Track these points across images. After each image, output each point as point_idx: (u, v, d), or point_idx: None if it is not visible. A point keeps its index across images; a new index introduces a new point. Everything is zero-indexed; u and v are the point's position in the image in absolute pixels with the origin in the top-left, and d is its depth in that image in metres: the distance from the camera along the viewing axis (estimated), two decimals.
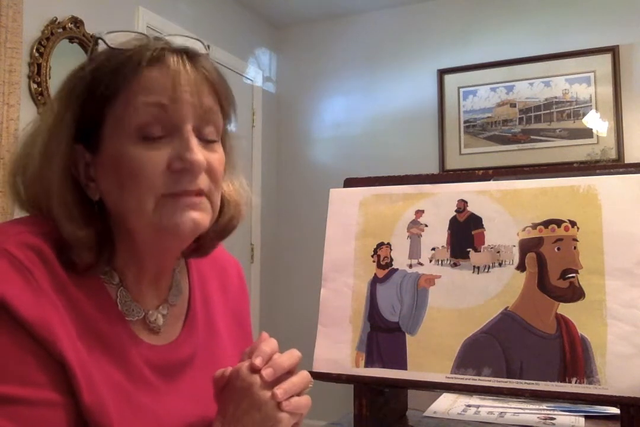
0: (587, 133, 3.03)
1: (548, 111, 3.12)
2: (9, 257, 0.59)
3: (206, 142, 0.66)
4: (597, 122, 3.00)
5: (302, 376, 0.68)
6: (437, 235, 1.02)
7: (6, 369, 0.57)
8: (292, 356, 0.67)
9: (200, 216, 0.65)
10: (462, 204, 1.01)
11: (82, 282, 0.64)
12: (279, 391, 0.64)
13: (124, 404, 0.63)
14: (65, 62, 2.33)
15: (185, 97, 0.63)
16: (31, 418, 0.56)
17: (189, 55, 0.66)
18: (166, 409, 0.67)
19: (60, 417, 0.58)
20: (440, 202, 1.03)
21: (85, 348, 0.61)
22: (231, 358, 0.76)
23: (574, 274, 0.92)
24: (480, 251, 0.98)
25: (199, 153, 0.63)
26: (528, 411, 1.18)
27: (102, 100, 0.63)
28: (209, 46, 0.70)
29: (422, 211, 1.04)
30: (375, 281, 1.03)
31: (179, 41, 0.67)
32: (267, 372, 0.64)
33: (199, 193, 0.65)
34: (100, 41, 0.65)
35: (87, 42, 2.43)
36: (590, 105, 3.03)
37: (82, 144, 0.65)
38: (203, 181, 0.65)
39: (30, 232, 0.62)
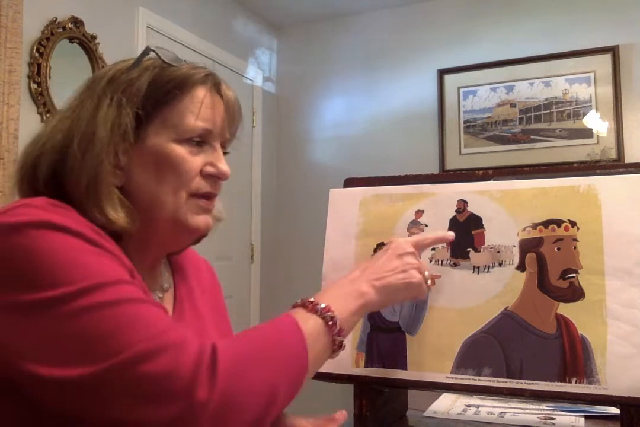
0: (587, 133, 3.02)
1: (548, 111, 3.11)
2: (42, 207, 0.64)
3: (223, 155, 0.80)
4: (597, 122, 3.00)
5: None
6: None
7: (93, 266, 0.61)
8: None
9: (210, 220, 0.78)
10: (462, 204, 1.01)
11: None
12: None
13: None
14: (65, 62, 2.33)
15: (224, 122, 0.78)
16: (134, 290, 0.61)
17: (225, 83, 0.81)
18: None
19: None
20: (440, 202, 1.03)
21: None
22: (213, 335, 0.84)
23: (574, 274, 0.92)
24: (480, 251, 0.98)
25: (227, 165, 0.77)
26: (528, 411, 1.18)
27: (155, 106, 0.73)
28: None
29: (422, 211, 1.04)
30: None
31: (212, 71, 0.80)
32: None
33: (215, 197, 0.78)
34: (152, 53, 0.76)
35: (87, 42, 2.42)
36: (590, 105, 3.03)
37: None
38: (220, 188, 0.78)
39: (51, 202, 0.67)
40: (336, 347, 0.69)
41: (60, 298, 0.57)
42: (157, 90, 0.74)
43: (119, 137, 0.71)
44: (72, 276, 0.58)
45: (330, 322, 0.68)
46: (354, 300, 0.73)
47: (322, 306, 0.69)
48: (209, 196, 0.77)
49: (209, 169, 0.75)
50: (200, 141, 0.75)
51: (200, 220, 0.75)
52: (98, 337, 0.55)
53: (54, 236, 0.61)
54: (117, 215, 0.69)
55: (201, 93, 0.76)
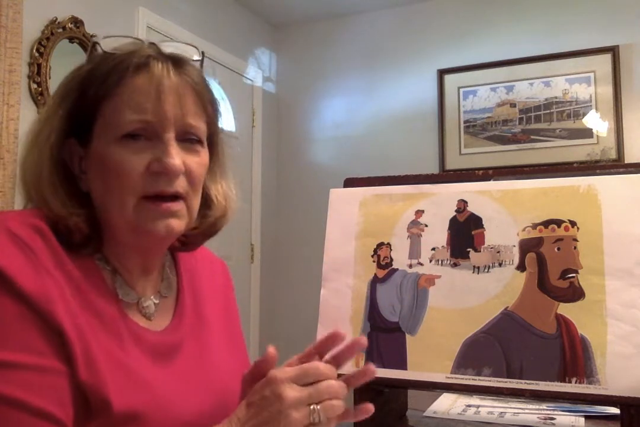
0: (587, 133, 3.02)
1: (548, 111, 3.11)
2: (9, 234, 0.62)
3: (188, 146, 0.70)
4: (597, 122, 3.00)
5: (331, 384, 0.64)
6: (437, 235, 1.02)
7: (9, 337, 0.58)
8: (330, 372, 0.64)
9: (175, 223, 0.69)
10: (462, 204, 1.01)
11: (79, 261, 0.67)
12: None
13: (122, 376, 0.64)
14: (65, 62, 2.33)
15: (168, 109, 0.67)
16: (38, 384, 0.58)
17: (174, 62, 0.70)
18: (159, 385, 0.68)
19: (63, 385, 0.59)
20: (440, 202, 1.03)
21: (84, 319, 0.63)
22: (219, 347, 0.80)
23: (574, 274, 0.92)
24: (480, 251, 0.98)
25: (176, 158, 0.67)
26: (528, 411, 1.18)
27: (94, 101, 0.68)
28: (203, 52, 0.75)
29: (422, 211, 1.04)
30: (375, 281, 1.03)
31: (168, 48, 0.71)
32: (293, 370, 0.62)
33: (176, 196, 0.69)
34: (97, 46, 0.70)
35: (87, 42, 2.42)
36: (590, 105, 3.03)
37: (75, 139, 0.70)
38: (181, 184, 0.68)
39: (30, 215, 0.66)
40: None
41: None
42: (93, 84, 0.68)
43: (59, 139, 0.69)
44: None
45: None
46: None
47: None
48: (162, 196, 0.68)
49: (154, 166, 0.67)
50: (142, 136, 0.67)
51: (157, 225, 0.68)
52: None
53: None
54: (70, 217, 0.66)
55: (138, 80, 0.67)
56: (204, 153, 0.73)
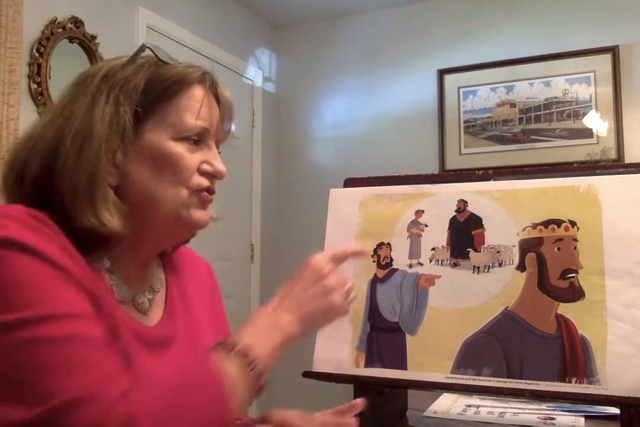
0: (587, 133, 3.02)
1: (548, 111, 3.11)
2: (17, 220, 0.62)
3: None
4: (597, 122, 3.00)
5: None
6: (437, 235, 1.02)
7: (46, 294, 0.58)
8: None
9: (209, 215, 0.78)
10: (462, 204, 1.01)
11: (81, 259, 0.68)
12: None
13: (123, 361, 0.65)
14: (65, 62, 2.33)
15: (219, 119, 0.79)
16: (81, 326, 0.59)
17: (218, 82, 0.80)
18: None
19: (101, 333, 0.61)
20: (440, 202, 1.03)
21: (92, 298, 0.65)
22: (209, 337, 0.83)
23: (574, 274, 0.92)
24: (480, 251, 0.98)
25: (222, 164, 0.77)
26: (528, 411, 1.18)
27: (154, 102, 0.73)
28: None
29: (422, 211, 1.04)
30: (375, 281, 1.03)
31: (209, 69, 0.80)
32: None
33: (213, 194, 0.78)
34: (147, 50, 0.76)
35: (87, 42, 2.42)
36: (590, 105, 3.03)
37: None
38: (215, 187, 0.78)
39: (31, 208, 0.65)
40: (256, 391, 0.67)
41: (4, 325, 0.56)
42: (154, 88, 0.73)
43: (117, 134, 0.70)
44: (22, 303, 0.57)
45: (250, 366, 0.65)
46: (275, 335, 0.69)
47: (242, 346, 0.65)
48: (209, 191, 0.77)
49: (206, 167, 0.75)
50: (197, 140, 0.75)
51: (201, 214, 0.76)
52: (37, 375, 0.54)
53: (15, 257, 0.59)
54: (111, 217, 0.68)
55: (199, 92, 0.76)
56: None
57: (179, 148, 0.73)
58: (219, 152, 0.80)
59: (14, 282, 0.57)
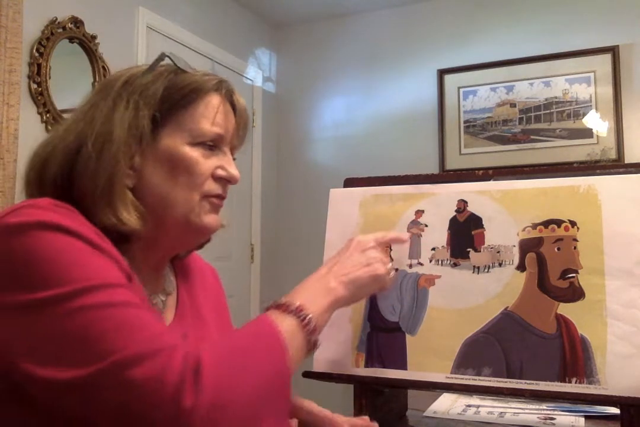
0: (587, 133, 3.02)
1: (548, 111, 3.11)
2: (46, 208, 0.64)
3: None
4: (597, 122, 3.00)
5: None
6: (437, 235, 1.02)
7: (91, 267, 0.61)
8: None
9: (220, 220, 0.80)
10: (462, 204, 1.01)
11: None
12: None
13: None
14: (65, 62, 2.33)
15: (237, 129, 0.81)
16: (129, 294, 0.61)
17: (234, 90, 0.82)
18: None
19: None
20: (440, 202, 1.03)
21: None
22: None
23: (574, 274, 0.92)
24: (480, 251, 0.98)
25: (237, 170, 0.79)
26: (528, 411, 1.18)
27: (172, 108, 0.75)
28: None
29: (422, 211, 1.04)
30: None
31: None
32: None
33: (223, 199, 0.80)
34: (167, 58, 0.77)
35: (87, 42, 2.42)
36: (590, 105, 3.03)
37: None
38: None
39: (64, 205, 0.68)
40: (311, 346, 0.70)
41: (55, 298, 0.58)
42: (173, 95, 0.76)
43: (136, 138, 0.72)
44: (68, 277, 0.59)
45: (304, 322, 0.69)
46: (325, 297, 0.75)
47: (296, 305, 0.70)
48: (220, 197, 0.79)
49: (220, 172, 0.77)
50: (212, 145, 0.77)
51: (211, 219, 0.78)
52: (90, 339, 0.56)
53: (54, 237, 0.61)
54: (130, 216, 0.71)
55: (215, 100, 0.78)
56: None
57: (194, 153, 0.75)
58: (234, 159, 0.82)
59: (54, 258, 0.60)
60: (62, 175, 0.71)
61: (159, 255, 0.80)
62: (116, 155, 0.71)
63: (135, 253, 0.76)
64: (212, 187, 0.77)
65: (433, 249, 1.01)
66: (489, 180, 1.03)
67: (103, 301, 0.58)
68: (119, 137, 0.71)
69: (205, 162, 0.76)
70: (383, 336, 1.00)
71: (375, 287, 0.83)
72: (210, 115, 0.77)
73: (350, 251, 0.83)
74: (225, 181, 0.79)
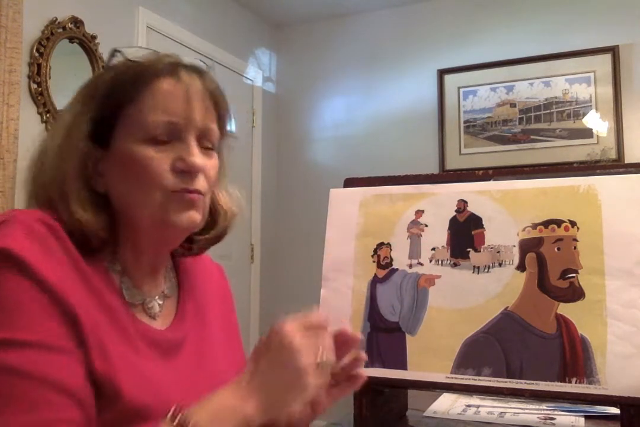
0: (587, 133, 3.02)
1: (548, 111, 3.11)
2: (25, 228, 0.63)
3: (204, 150, 0.74)
4: (597, 122, 3.00)
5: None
6: (437, 235, 1.02)
7: (27, 318, 0.59)
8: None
9: (195, 215, 0.73)
10: (462, 204, 1.01)
11: (90, 262, 0.69)
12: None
13: (131, 370, 0.66)
14: (65, 62, 2.33)
15: (195, 111, 0.72)
16: (51, 362, 0.59)
17: (197, 71, 0.75)
18: (166, 380, 0.71)
19: (78, 367, 0.61)
20: (440, 202, 1.03)
21: (97, 317, 0.65)
22: (218, 346, 0.83)
23: (574, 274, 0.92)
24: (480, 251, 0.98)
25: (198, 157, 0.72)
26: (528, 411, 1.18)
27: (119, 105, 0.71)
28: (211, 66, 0.79)
29: (422, 211, 1.04)
30: (375, 281, 1.03)
31: (186, 59, 0.75)
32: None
33: (198, 193, 0.72)
34: (118, 53, 0.74)
35: (87, 42, 2.42)
36: (590, 105, 3.03)
37: (91, 141, 0.72)
38: (201, 182, 0.73)
39: (42, 215, 0.67)
40: None
41: None
42: (118, 89, 0.71)
43: (85, 144, 0.71)
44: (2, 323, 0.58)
45: None
46: (231, 420, 0.62)
47: (190, 424, 0.60)
48: (189, 191, 0.72)
49: (179, 164, 0.71)
50: (166, 139, 0.71)
51: (183, 217, 0.71)
52: None
53: (4, 271, 0.60)
54: (92, 219, 0.69)
55: (165, 85, 0.71)
56: (216, 157, 0.77)
57: (146, 151, 0.70)
58: (210, 148, 0.75)
59: None
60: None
61: (149, 257, 0.77)
62: (67, 160, 0.70)
63: (127, 257, 0.74)
64: (173, 182, 0.70)
65: (433, 249, 1.01)
66: (489, 180, 1.03)
67: (19, 362, 0.56)
68: (64, 143, 0.71)
69: (160, 158, 0.70)
70: (383, 336, 1.00)
71: (301, 403, 0.64)
72: (157, 103, 0.70)
73: (270, 351, 0.65)
74: (187, 173, 0.71)
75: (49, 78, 2.26)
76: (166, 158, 0.71)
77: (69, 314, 0.62)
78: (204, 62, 0.78)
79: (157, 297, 0.78)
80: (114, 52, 0.74)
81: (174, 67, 0.73)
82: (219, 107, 0.76)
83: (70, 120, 0.72)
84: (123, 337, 0.68)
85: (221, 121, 0.77)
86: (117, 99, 0.71)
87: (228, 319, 0.90)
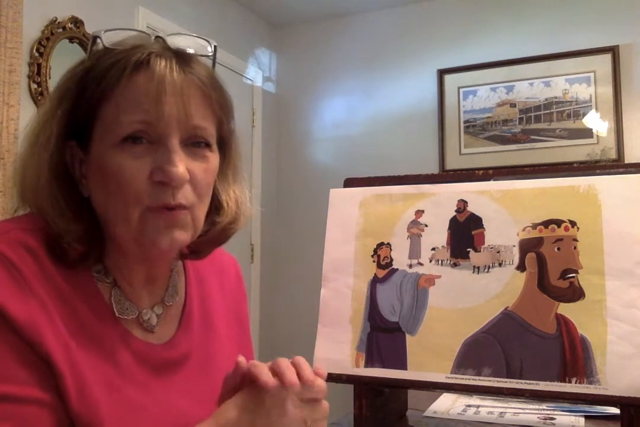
0: (587, 133, 3.02)
1: (548, 111, 3.11)
2: (1, 254, 0.59)
3: (194, 151, 0.65)
4: (597, 122, 3.00)
5: (327, 405, 0.64)
6: (437, 235, 1.02)
7: None
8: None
9: (180, 234, 0.64)
10: (462, 204, 1.01)
11: (73, 278, 0.64)
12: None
13: (115, 400, 0.62)
14: (65, 62, 2.31)
15: (170, 109, 0.61)
16: (17, 415, 0.56)
17: (179, 58, 0.64)
18: (157, 405, 0.66)
19: (46, 417, 0.58)
20: (440, 202, 1.03)
21: (76, 345, 0.61)
22: (228, 356, 0.76)
23: (574, 274, 0.92)
24: (480, 251, 0.98)
25: (180, 165, 0.61)
26: (528, 411, 1.18)
27: (93, 101, 0.63)
28: (215, 46, 0.68)
29: (422, 211, 1.04)
30: (375, 281, 1.03)
31: (181, 42, 0.65)
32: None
33: (181, 207, 0.63)
34: (98, 40, 0.64)
35: (87, 42, 2.42)
36: (590, 105, 3.03)
37: (75, 141, 0.65)
38: (185, 195, 0.63)
39: (20, 229, 0.62)
40: None
41: None
42: (89, 85, 0.62)
43: (59, 142, 0.64)
44: None
45: None
46: None
47: None
48: (170, 208, 0.62)
49: (156, 175, 0.61)
50: (144, 139, 0.62)
51: (161, 238, 0.62)
52: None
53: None
54: (69, 226, 0.62)
55: (139, 79, 0.61)
56: (213, 157, 0.67)
57: (121, 157, 0.61)
58: (208, 145, 0.65)
59: None
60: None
61: (144, 268, 0.70)
62: (39, 161, 0.63)
63: (118, 267, 0.68)
64: (150, 196, 0.61)
65: (433, 249, 1.01)
66: (489, 180, 1.03)
67: None
68: (40, 144, 0.64)
69: (134, 165, 0.60)
70: (383, 336, 1.00)
71: None
72: (129, 100, 0.60)
73: (261, 412, 0.60)
74: (167, 185, 0.61)
75: (49, 78, 2.26)
76: (144, 165, 0.61)
77: (42, 358, 0.58)
78: (207, 41, 0.68)
79: (154, 307, 0.72)
80: (94, 38, 0.64)
81: (148, 57, 0.62)
82: (209, 99, 0.65)
83: (43, 118, 0.65)
84: (110, 365, 0.63)
85: (216, 115, 0.67)
86: (92, 94, 0.62)
87: (241, 324, 0.85)
